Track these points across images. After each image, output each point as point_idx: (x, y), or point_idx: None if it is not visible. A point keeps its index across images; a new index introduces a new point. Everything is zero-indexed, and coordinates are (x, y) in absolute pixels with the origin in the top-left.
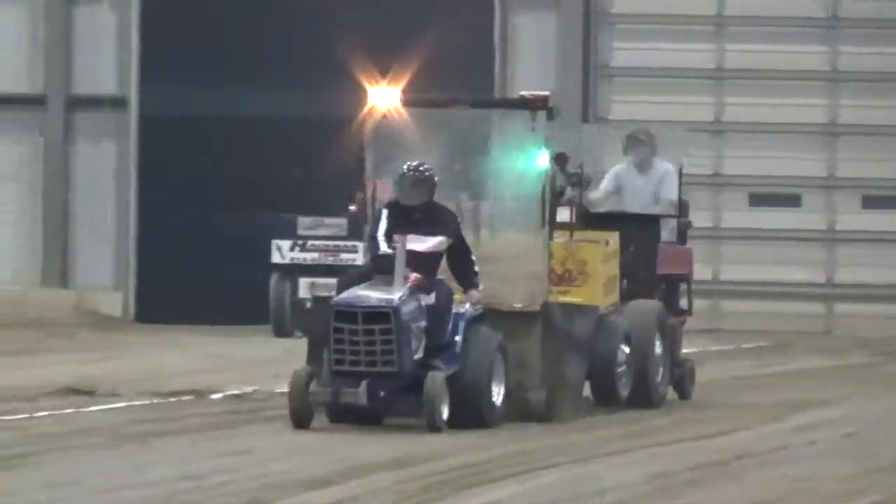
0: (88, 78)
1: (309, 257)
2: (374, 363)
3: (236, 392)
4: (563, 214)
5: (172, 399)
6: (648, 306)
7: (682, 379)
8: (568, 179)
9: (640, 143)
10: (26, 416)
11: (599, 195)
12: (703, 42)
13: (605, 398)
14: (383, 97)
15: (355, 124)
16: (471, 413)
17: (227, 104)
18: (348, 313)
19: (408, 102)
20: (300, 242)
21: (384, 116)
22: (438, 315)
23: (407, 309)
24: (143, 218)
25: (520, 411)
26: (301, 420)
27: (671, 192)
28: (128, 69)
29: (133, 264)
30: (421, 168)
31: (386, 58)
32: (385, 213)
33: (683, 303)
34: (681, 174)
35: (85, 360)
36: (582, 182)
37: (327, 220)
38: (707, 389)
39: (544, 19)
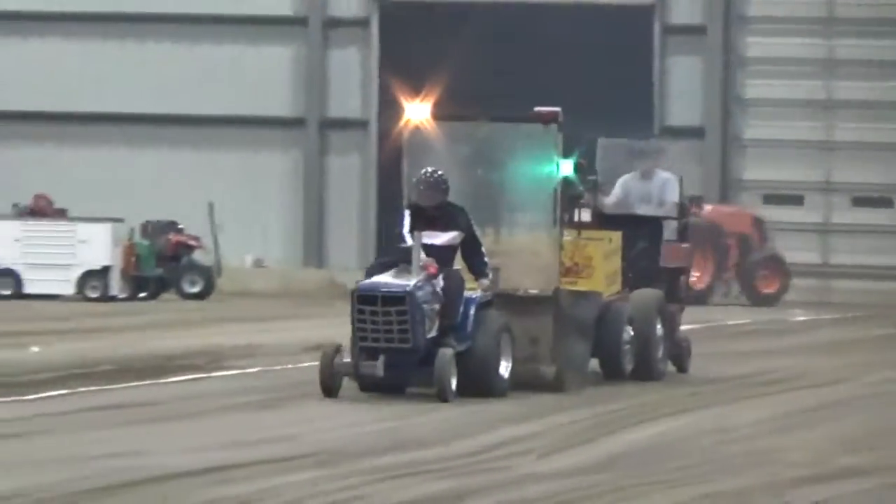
0: (338, 104)
1: None
2: (391, 339)
3: None
4: (583, 215)
5: None
6: (650, 294)
7: (679, 356)
8: (585, 185)
9: (648, 156)
10: (286, 367)
11: (612, 202)
12: (813, 79)
13: (612, 373)
14: (416, 111)
15: (393, 134)
16: (481, 385)
17: None
18: (370, 297)
19: (437, 116)
20: None
21: (417, 128)
22: (450, 299)
23: (421, 293)
24: (381, 212)
25: (532, 382)
26: (328, 389)
27: (673, 196)
28: (369, 97)
29: (373, 248)
30: (437, 174)
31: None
32: (407, 213)
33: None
34: (681, 182)
35: (334, 324)
36: (596, 187)
37: None
38: None
39: (692, 62)
